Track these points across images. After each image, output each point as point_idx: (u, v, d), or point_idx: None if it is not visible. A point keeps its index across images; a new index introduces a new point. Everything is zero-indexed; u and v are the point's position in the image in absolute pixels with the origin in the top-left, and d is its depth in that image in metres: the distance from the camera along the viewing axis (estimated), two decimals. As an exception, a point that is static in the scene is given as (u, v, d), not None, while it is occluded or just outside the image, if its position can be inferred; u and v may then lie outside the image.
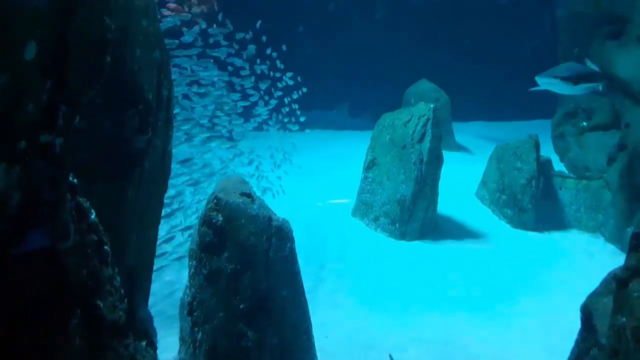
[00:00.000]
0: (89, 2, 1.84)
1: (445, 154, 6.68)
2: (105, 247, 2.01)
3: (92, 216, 1.99)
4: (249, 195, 3.67)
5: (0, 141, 1.49)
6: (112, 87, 2.70)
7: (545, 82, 7.24)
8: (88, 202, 2.04)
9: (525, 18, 13.12)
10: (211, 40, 6.32)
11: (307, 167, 8.70)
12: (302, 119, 7.94)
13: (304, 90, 7.61)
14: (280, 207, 5.54)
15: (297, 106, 7.51)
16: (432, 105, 6.49)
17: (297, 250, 3.82)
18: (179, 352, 3.60)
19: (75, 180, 1.97)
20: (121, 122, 2.93)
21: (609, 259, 5.46)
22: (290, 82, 7.60)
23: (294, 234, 3.78)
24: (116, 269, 2.10)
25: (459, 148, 10.02)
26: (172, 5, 6.02)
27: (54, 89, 1.64)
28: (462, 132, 10.42)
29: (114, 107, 2.87)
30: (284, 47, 6.96)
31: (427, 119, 6.34)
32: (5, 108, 1.47)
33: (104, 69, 1.91)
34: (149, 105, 3.08)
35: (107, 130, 2.88)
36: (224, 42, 6.41)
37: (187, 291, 3.57)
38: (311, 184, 7.97)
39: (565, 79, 7.23)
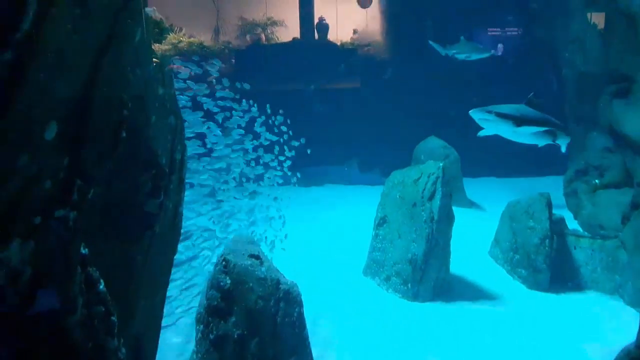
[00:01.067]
0: (109, 82, 1.94)
1: (457, 210, 6.64)
2: (112, 318, 2.01)
3: (101, 286, 2.00)
4: (257, 257, 3.67)
5: (18, 217, 1.54)
6: (127, 153, 2.78)
7: (479, 118, 6.78)
8: (97, 272, 2.06)
9: (533, 76, 13.40)
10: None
11: (315, 223, 8.68)
12: (309, 174, 7.90)
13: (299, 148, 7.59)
14: (289, 265, 5.52)
15: (289, 163, 7.48)
16: (441, 164, 6.53)
17: (305, 313, 3.75)
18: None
19: (85, 251, 2.00)
20: (134, 187, 2.98)
21: (628, 325, 5.25)
22: (303, 142, 7.71)
23: (302, 297, 3.73)
24: (122, 340, 2.09)
25: (471, 204, 9.98)
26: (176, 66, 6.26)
27: (71, 165, 1.71)
28: (474, 188, 10.40)
29: (127, 172, 2.92)
30: (281, 111, 7.12)
31: (437, 177, 6.36)
32: (24, 186, 1.53)
33: (119, 144, 1.99)
34: (162, 169, 3.14)
35: (119, 194, 2.92)
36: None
37: (194, 356, 3.50)
38: (321, 240, 7.93)
39: (501, 115, 6.55)
